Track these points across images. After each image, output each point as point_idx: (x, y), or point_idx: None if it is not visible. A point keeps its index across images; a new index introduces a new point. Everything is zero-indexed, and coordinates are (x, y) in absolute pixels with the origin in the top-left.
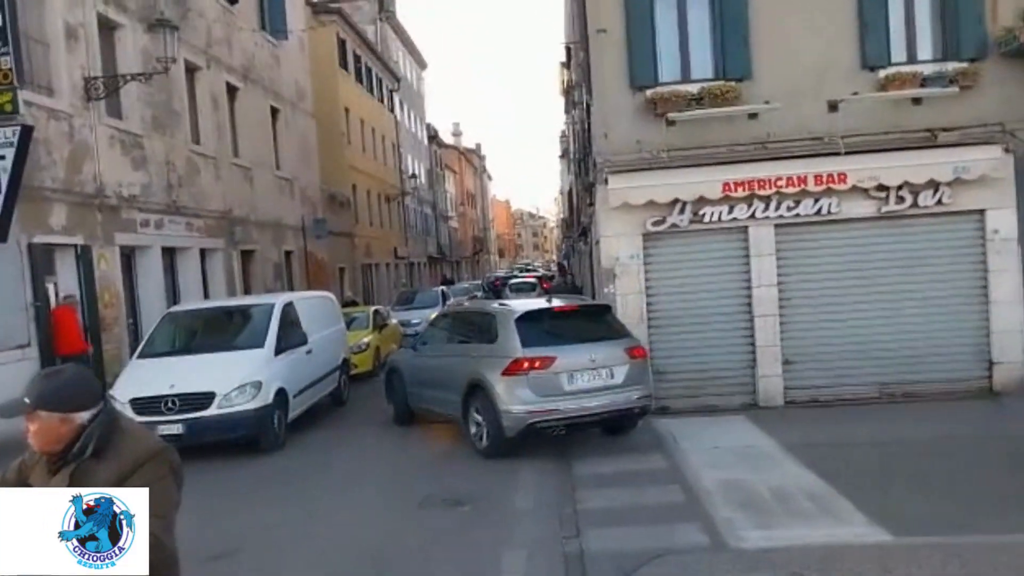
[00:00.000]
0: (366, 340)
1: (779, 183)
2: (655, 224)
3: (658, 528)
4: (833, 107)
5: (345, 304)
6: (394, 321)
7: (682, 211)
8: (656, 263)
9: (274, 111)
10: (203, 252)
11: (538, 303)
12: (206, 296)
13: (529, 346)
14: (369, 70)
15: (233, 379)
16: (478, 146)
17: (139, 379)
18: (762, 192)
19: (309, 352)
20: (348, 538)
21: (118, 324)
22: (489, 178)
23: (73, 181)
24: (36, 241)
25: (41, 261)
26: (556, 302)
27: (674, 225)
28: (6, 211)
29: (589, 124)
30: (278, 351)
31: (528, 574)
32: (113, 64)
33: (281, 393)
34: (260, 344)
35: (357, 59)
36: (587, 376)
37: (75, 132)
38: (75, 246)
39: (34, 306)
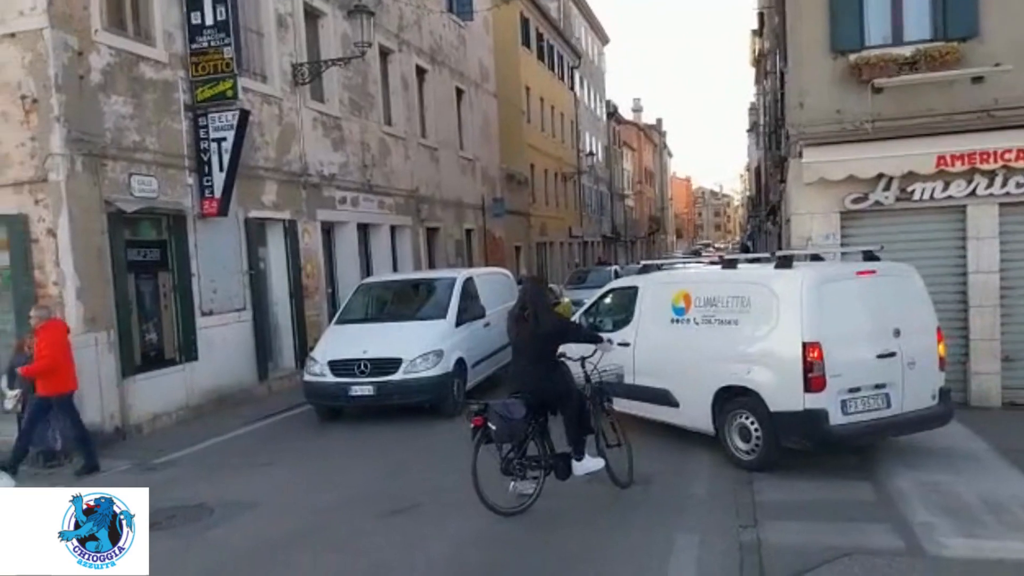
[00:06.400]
0: None
1: (1007, 156)
2: (855, 202)
3: (843, 525)
4: None
5: (519, 281)
6: (566, 299)
7: (887, 187)
8: (854, 244)
9: (459, 92)
10: (393, 228)
11: None
12: (395, 269)
13: None
14: (551, 47)
15: (417, 347)
16: (659, 122)
17: (337, 343)
18: (985, 166)
19: (487, 325)
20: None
21: (318, 292)
22: (669, 155)
23: (282, 161)
24: (251, 216)
25: (255, 234)
26: None
27: (877, 203)
28: (227, 188)
29: (782, 94)
30: (458, 323)
31: (700, 558)
32: (316, 50)
33: (460, 362)
34: (442, 315)
35: (539, 37)
36: None
37: (284, 115)
38: (283, 221)
39: (248, 274)
